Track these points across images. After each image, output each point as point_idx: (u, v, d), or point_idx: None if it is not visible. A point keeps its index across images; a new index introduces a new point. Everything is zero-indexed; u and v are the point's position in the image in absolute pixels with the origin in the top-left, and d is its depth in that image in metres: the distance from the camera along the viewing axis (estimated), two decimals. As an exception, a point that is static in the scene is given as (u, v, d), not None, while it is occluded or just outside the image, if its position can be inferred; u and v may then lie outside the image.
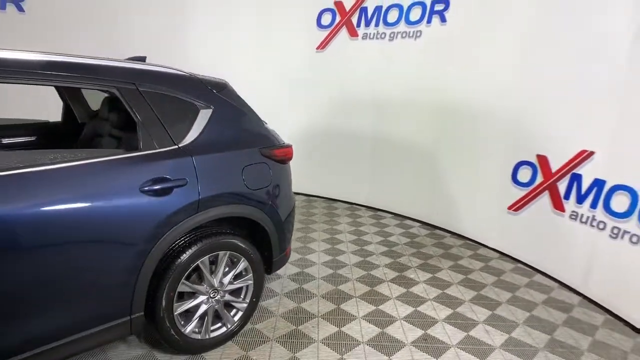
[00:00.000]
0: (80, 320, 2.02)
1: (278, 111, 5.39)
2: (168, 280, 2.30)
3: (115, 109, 2.77)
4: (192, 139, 2.41)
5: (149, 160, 2.19)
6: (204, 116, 2.50)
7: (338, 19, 5.54)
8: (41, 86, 2.33)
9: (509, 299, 3.52)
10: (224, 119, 2.59)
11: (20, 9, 5.42)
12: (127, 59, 2.69)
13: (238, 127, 2.69)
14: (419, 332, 2.96)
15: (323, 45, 5.69)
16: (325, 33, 5.66)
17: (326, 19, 5.64)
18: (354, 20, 5.43)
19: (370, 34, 5.33)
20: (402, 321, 3.09)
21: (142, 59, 2.80)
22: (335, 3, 5.52)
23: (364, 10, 5.33)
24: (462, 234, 4.88)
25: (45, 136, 3.31)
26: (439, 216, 5.11)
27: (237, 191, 2.56)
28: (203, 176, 2.36)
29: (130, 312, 2.19)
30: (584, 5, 3.54)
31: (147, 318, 2.30)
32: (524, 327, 3.11)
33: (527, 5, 3.97)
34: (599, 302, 3.53)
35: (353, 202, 5.98)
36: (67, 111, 3.44)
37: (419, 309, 3.28)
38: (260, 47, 5.87)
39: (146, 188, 2.13)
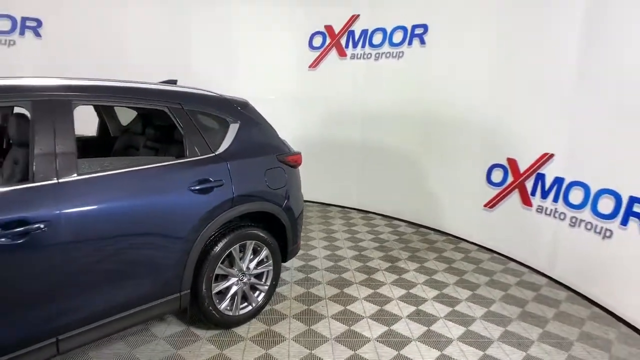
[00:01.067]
0: (146, 294, 2.51)
1: (274, 123, 5.92)
2: (208, 264, 2.80)
3: (150, 124, 3.28)
4: (225, 147, 2.94)
5: (194, 165, 2.72)
6: (233, 129, 3.03)
7: (328, 41, 6.15)
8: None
9: (487, 282, 4.10)
10: (248, 130, 3.13)
11: (38, 35, 5.88)
12: (162, 82, 3.21)
13: (259, 137, 3.22)
14: (412, 309, 3.50)
15: (315, 64, 6.28)
16: (316, 53, 6.26)
17: (317, 41, 6.24)
18: (343, 42, 6.04)
19: (357, 54, 5.95)
20: (397, 300, 3.63)
21: (174, 82, 3.33)
22: (326, 27, 6.13)
23: (352, 33, 5.95)
24: (445, 231, 5.47)
25: (82, 148, 3.76)
26: (423, 216, 5.69)
27: (261, 190, 3.09)
28: (235, 178, 2.88)
29: (180, 289, 2.69)
30: (540, 34, 4.20)
31: (191, 296, 2.79)
32: (500, 303, 3.69)
33: (494, 30, 4.62)
34: (562, 282, 4.13)
35: (345, 205, 6.54)
36: (102, 126, 3.92)
37: (411, 291, 3.83)
38: (258, 65, 6.41)
39: (193, 188, 2.65)
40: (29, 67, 5.80)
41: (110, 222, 2.29)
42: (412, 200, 5.76)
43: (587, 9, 3.80)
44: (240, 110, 3.16)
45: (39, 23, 5.90)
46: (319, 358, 2.79)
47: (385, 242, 5.11)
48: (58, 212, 2.09)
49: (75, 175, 2.21)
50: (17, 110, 2.63)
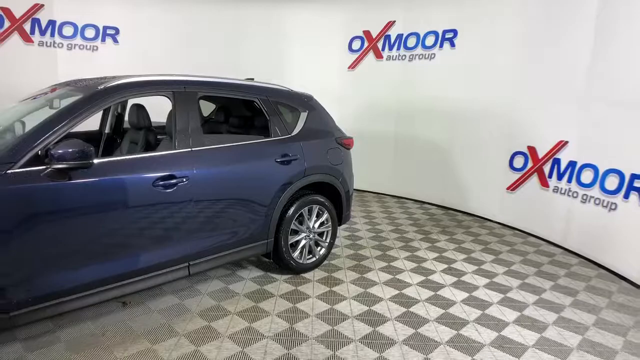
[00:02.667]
0: (247, 237, 3.35)
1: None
2: (287, 220, 3.61)
3: (230, 114, 4.15)
4: (298, 130, 3.75)
5: (278, 143, 3.54)
6: (303, 116, 3.84)
7: (366, 44, 6.92)
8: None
9: (508, 250, 4.79)
10: (314, 118, 3.93)
11: (116, 41, 6.84)
12: (245, 79, 4.04)
13: (322, 123, 4.02)
14: (444, 266, 4.24)
15: (354, 65, 7.07)
16: (355, 56, 7.04)
17: (356, 44, 7.03)
18: (380, 45, 6.81)
19: (393, 56, 6.70)
20: (432, 260, 4.37)
21: (251, 79, 4.15)
22: (364, 32, 6.90)
23: (388, 37, 6.71)
24: (471, 212, 6.17)
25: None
26: (451, 199, 6.39)
27: (325, 165, 3.89)
28: (307, 154, 3.69)
29: (267, 237, 3.51)
30: (556, 36, 4.88)
31: (274, 244, 3.61)
32: (520, 265, 4.38)
33: (516, 33, 5.32)
34: (575, 251, 4.78)
35: (379, 192, 7.29)
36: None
37: (442, 254, 4.56)
38: (304, 66, 7.24)
39: (278, 159, 3.47)
40: (109, 68, 6.74)
41: (226, 180, 3.14)
42: (442, 186, 6.47)
43: (598, 13, 4.44)
44: (307, 102, 3.98)
45: (117, 31, 6.86)
46: (373, 294, 3.57)
47: (418, 220, 5.84)
48: (194, 170, 2.93)
49: (202, 145, 3.04)
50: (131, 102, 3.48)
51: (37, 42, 6.36)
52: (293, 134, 3.71)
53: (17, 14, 6.15)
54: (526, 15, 5.23)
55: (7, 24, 6.11)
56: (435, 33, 6.22)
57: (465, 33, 5.93)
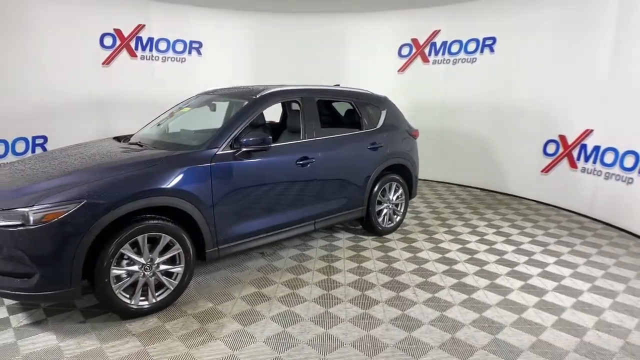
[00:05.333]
0: (351, 204, 4.52)
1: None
2: (375, 193, 4.76)
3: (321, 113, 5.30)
4: (381, 124, 4.89)
5: (368, 134, 4.70)
6: (383, 113, 4.98)
7: (414, 50, 8.01)
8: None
9: (544, 219, 5.84)
10: (391, 114, 5.06)
11: (199, 53, 8.11)
12: (334, 85, 5.19)
13: (397, 118, 5.15)
14: (493, 230, 5.33)
15: (403, 69, 8.17)
16: (404, 60, 8.14)
17: (405, 50, 8.13)
18: (426, 51, 7.89)
19: (438, 60, 7.78)
20: (483, 226, 5.47)
21: (337, 85, 5.30)
22: (412, 39, 7.99)
23: (434, 44, 7.79)
24: (510, 193, 7.21)
25: (278, 130, 5.81)
26: (492, 182, 7.44)
27: (401, 151, 5.02)
28: (388, 143, 4.83)
29: (362, 205, 4.67)
30: (582, 39, 5.89)
31: (366, 212, 4.76)
32: (555, 229, 5.43)
33: (547, 37, 6.34)
34: (600, 219, 5.80)
35: (427, 178, 8.37)
36: (284, 116, 5.96)
37: (491, 222, 5.64)
38: (360, 70, 8.38)
39: (369, 147, 4.63)
40: (194, 76, 8.02)
41: (337, 160, 4.31)
42: (484, 172, 7.52)
43: (618, 16, 5.43)
44: (384, 102, 5.12)
45: (201, 44, 8.12)
46: (443, 247, 4.70)
47: (465, 199, 6.93)
48: (318, 154, 4.11)
49: (322, 136, 4.22)
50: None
51: (139, 57, 7.65)
52: (378, 127, 4.85)
53: (126, 33, 7.44)
54: (555, 22, 6.24)
55: (118, 42, 7.40)
56: (477, 40, 7.27)
57: (503, 40, 6.97)
